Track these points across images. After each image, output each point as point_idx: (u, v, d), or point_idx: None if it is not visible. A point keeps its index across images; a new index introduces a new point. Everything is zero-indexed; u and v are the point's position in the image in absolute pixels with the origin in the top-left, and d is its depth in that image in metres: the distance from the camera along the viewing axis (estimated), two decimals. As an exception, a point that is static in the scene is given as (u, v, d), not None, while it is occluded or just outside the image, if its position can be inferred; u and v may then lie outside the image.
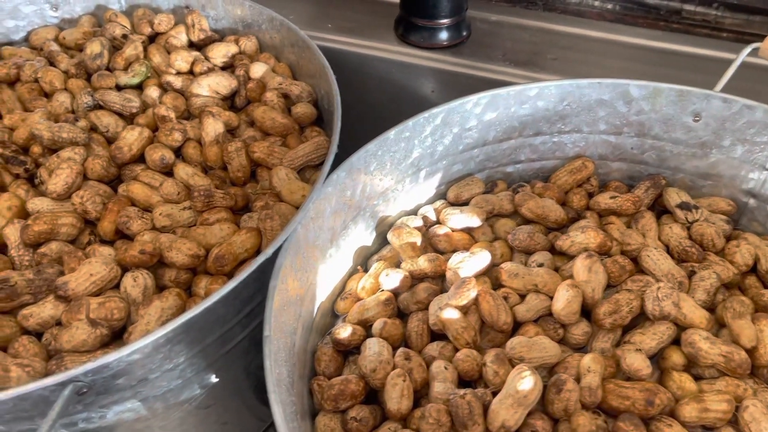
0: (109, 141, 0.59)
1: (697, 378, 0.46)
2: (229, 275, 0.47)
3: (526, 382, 0.41)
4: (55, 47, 0.66)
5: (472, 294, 0.49)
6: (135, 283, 0.44)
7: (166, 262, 0.47)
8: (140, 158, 0.57)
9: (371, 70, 0.74)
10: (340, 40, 0.74)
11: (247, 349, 0.50)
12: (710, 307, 0.50)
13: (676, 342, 0.48)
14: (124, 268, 0.47)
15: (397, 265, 0.56)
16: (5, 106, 0.59)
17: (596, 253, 0.52)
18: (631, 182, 0.62)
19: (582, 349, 0.50)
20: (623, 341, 0.48)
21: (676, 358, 0.47)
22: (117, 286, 0.46)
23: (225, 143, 0.56)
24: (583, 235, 0.53)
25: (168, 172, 0.56)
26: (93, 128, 0.59)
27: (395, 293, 0.53)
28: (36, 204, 0.50)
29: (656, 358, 0.48)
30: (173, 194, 0.52)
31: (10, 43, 0.70)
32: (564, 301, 0.48)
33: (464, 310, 0.49)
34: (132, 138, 0.56)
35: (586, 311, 0.50)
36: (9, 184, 0.53)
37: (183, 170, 0.54)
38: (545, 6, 0.78)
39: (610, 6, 0.75)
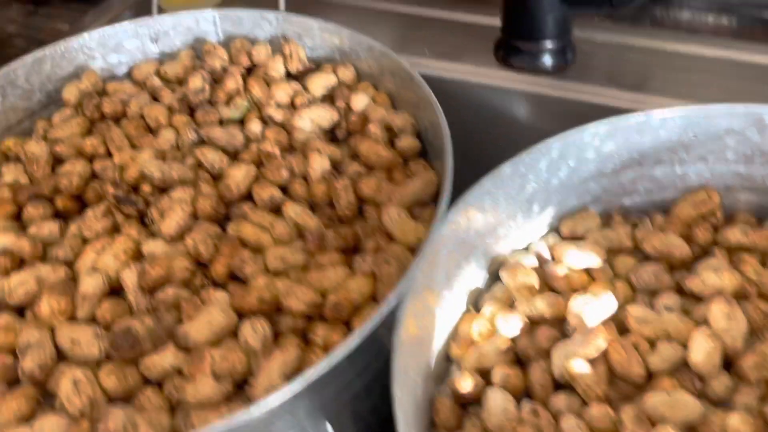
0: (214, 177, 0.58)
1: None
2: (346, 322, 0.46)
3: (677, 449, 0.38)
4: (157, 82, 0.67)
5: (602, 344, 0.46)
6: (255, 333, 0.43)
7: (284, 310, 0.46)
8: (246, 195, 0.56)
9: (470, 96, 0.72)
10: (439, 66, 0.72)
11: (357, 394, 0.49)
12: None
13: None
14: (239, 313, 0.46)
15: (511, 306, 0.53)
16: (114, 144, 0.60)
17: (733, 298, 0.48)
18: (760, 215, 0.58)
19: (722, 404, 0.46)
20: (772, 398, 0.44)
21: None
22: (234, 333, 0.45)
23: (332, 180, 0.55)
24: (716, 277, 0.50)
25: (275, 209, 0.55)
26: (198, 164, 0.59)
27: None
28: (151, 247, 0.50)
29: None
30: (286, 236, 0.51)
31: (113, 78, 0.71)
32: (704, 352, 0.45)
33: (591, 359, 0.46)
34: (240, 176, 0.55)
35: (725, 362, 0.46)
36: (121, 225, 0.53)
37: (292, 209, 0.53)
38: (653, 22, 0.74)
39: (726, 21, 0.71)
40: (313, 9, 0.73)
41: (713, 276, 0.49)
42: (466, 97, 0.71)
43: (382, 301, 0.43)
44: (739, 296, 0.49)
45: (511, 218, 0.55)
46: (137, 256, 0.51)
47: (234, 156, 0.60)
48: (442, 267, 0.49)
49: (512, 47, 0.69)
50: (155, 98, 0.66)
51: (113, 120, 0.65)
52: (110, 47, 0.70)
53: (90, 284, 0.47)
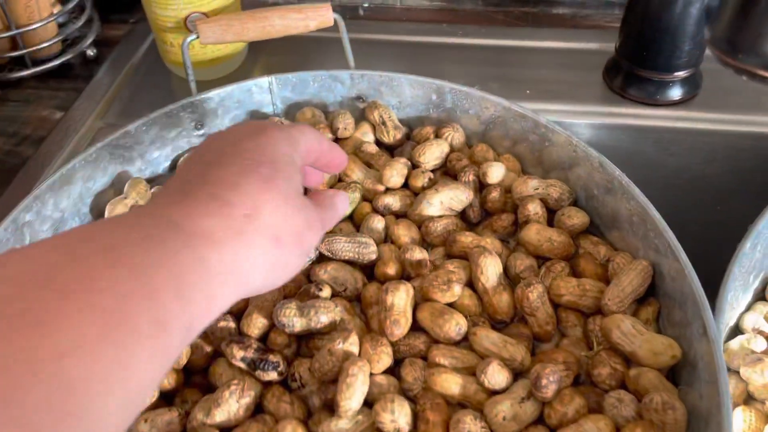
0: (349, 300, 0.45)
1: None
2: (636, 497, 0.34)
3: None
4: (222, 178, 0.52)
5: None
6: None
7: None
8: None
9: (584, 137, 0.61)
10: (546, 109, 0.61)
11: None
12: None
13: None
14: None
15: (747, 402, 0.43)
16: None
17: None
18: None
19: None
20: None
21: None
22: None
23: (523, 288, 0.43)
24: None
25: (458, 341, 0.42)
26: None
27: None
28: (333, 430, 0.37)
29: None
30: (501, 383, 0.39)
31: (155, 180, 0.55)
32: None
33: None
34: (401, 302, 0.42)
35: None
36: (267, 398, 0.39)
37: (487, 338, 0.41)
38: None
39: None
40: (364, 57, 0.60)
41: None
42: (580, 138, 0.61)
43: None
44: None
45: (736, 299, 0.46)
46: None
47: (366, 270, 0.47)
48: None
49: (634, 76, 0.59)
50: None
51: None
52: (149, 141, 0.54)
53: None
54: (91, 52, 0.75)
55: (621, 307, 0.42)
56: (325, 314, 0.41)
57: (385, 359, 0.40)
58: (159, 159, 0.55)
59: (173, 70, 0.69)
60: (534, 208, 0.48)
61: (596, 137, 0.62)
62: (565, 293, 0.43)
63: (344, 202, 0.39)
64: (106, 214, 0.50)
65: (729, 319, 0.47)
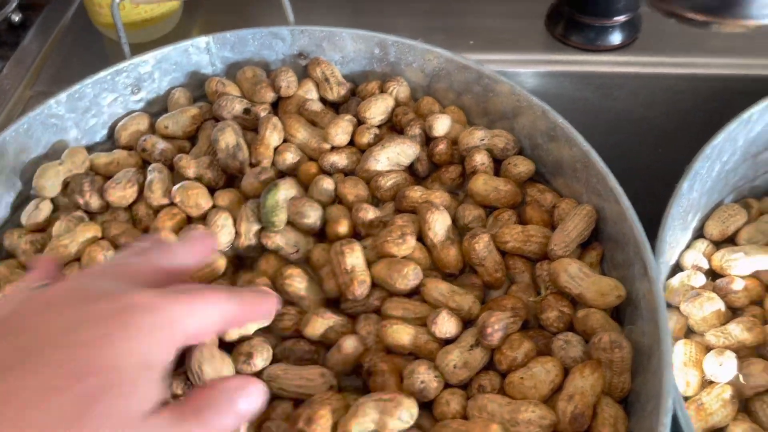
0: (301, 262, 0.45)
1: None
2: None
3: None
4: (163, 145, 0.51)
5: None
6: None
7: (510, 442, 0.35)
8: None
9: (528, 85, 0.61)
10: (492, 59, 0.61)
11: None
12: None
13: None
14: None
15: (693, 339, 0.46)
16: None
17: None
18: None
19: None
20: None
21: None
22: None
23: (469, 240, 0.43)
24: None
25: (411, 293, 0.43)
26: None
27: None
28: None
29: None
30: (451, 331, 0.39)
31: (93, 147, 0.53)
32: None
33: None
34: (359, 262, 0.42)
35: None
36: None
37: (436, 289, 0.41)
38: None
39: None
40: (304, 11, 0.59)
41: None
42: (524, 86, 0.61)
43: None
44: None
45: (675, 239, 0.47)
46: None
47: (315, 234, 0.46)
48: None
49: (574, 22, 0.59)
50: (171, 168, 0.50)
51: (124, 209, 0.48)
52: (83, 109, 0.52)
53: None
54: (16, 17, 0.71)
55: (566, 252, 0.43)
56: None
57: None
58: (96, 127, 0.53)
59: (105, 33, 0.66)
60: (480, 159, 0.49)
61: (540, 85, 0.62)
62: (510, 240, 0.44)
63: (245, 398, 0.26)
64: (35, 178, 0.48)
65: (670, 258, 0.49)
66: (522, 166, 0.49)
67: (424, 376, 0.37)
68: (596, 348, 0.38)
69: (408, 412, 0.34)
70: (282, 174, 0.50)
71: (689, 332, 0.48)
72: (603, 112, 0.61)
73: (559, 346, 0.39)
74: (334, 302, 0.44)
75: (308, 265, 0.46)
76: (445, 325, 0.39)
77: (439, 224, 0.44)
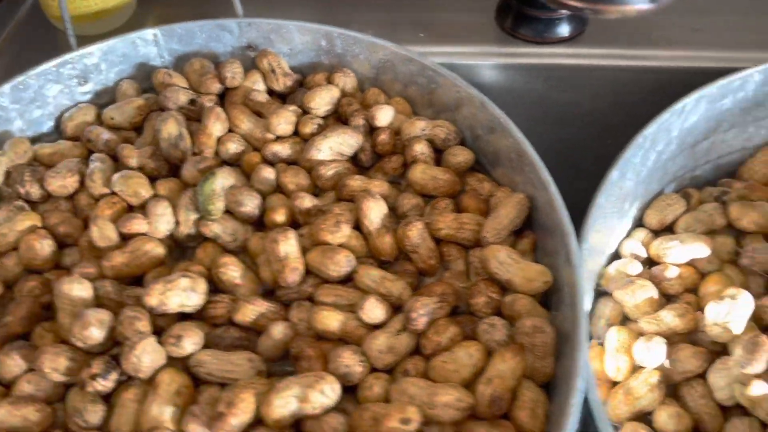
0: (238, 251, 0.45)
1: None
2: (505, 416, 0.37)
3: None
4: (108, 135, 0.51)
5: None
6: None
7: (429, 421, 0.35)
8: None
9: (478, 77, 0.62)
10: (442, 51, 0.61)
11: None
12: None
13: None
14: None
15: (628, 326, 0.46)
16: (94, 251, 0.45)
17: None
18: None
19: None
20: None
21: None
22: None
23: (402, 228, 0.44)
24: None
25: (344, 280, 0.43)
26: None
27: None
28: None
29: None
30: (379, 317, 0.40)
31: (39, 138, 0.53)
32: None
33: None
34: (293, 250, 0.42)
35: None
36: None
37: (367, 276, 0.42)
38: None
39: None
40: (260, 5, 0.59)
41: None
42: (474, 78, 0.62)
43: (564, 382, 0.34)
44: None
45: (611, 227, 0.48)
46: None
47: (254, 222, 0.47)
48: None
49: (522, 15, 0.60)
50: (115, 159, 0.50)
51: (65, 198, 0.49)
52: (28, 100, 0.52)
53: None
54: (-28, 10, 0.71)
55: (498, 239, 0.43)
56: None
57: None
58: (41, 118, 0.53)
59: (59, 27, 0.66)
60: (420, 149, 0.49)
61: (491, 78, 0.62)
62: (443, 227, 0.45)
63: None
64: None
65: (607, 247, 0.50)
66: (461, 156, 0.49)
67: (348, 360, 0.37)
68: (519, 332, 0.38)
69: (331, 387, 0.35)
70: (226, 163, 0.50)
71: (625, 320, 0.48)
72: (552, 105, 0.61)
73: (484, 330, 0.39)
74: (271, 291, 0.44)
75: (246, 254, 0.46)
76: (373, 310, 0.40)
77: (374, 212, 0.45)
